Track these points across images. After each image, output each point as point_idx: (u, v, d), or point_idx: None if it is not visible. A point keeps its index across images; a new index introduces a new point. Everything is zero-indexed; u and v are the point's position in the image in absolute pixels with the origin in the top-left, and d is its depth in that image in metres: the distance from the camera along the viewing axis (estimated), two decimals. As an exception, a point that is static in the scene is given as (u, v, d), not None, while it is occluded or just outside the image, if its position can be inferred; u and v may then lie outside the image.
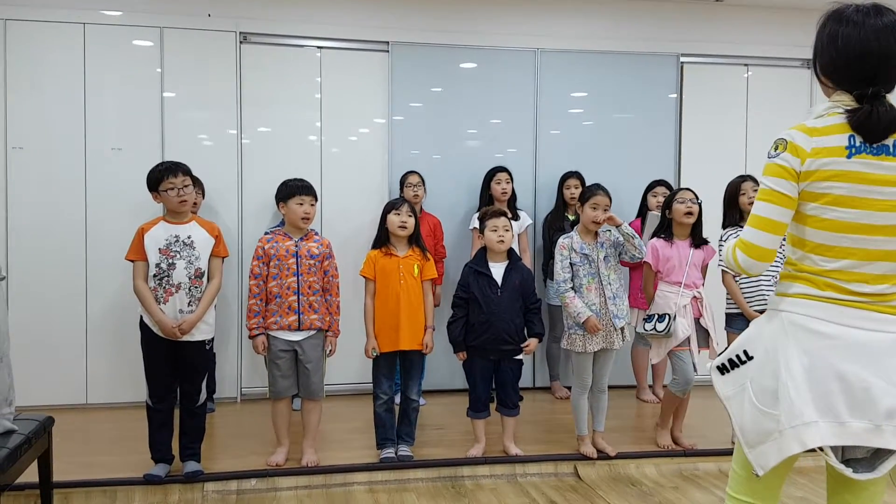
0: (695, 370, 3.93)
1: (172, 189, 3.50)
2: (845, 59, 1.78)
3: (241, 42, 5.06)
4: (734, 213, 4.14)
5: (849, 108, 1.78)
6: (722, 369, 1.90)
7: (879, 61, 1.77)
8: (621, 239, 3.90)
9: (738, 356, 1.88)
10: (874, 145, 1.75)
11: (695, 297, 3.96)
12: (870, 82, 1.77)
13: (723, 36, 5.63)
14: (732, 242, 1.90)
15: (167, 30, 4.93)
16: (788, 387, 1.75)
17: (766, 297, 3.96)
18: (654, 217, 4.53)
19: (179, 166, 3.56)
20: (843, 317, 1.77)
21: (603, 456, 3.95)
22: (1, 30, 4.71)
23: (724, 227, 4.13)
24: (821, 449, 1.73)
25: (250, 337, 3.76)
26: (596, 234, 3.95)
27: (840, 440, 1.73)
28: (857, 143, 1.75)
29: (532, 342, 3.91)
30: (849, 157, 1.75)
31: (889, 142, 1.76)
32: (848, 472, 1.75)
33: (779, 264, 3.36)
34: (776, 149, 1.81)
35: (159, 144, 4.91)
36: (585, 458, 3.94)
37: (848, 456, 1.80)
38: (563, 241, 3.96)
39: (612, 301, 3.88)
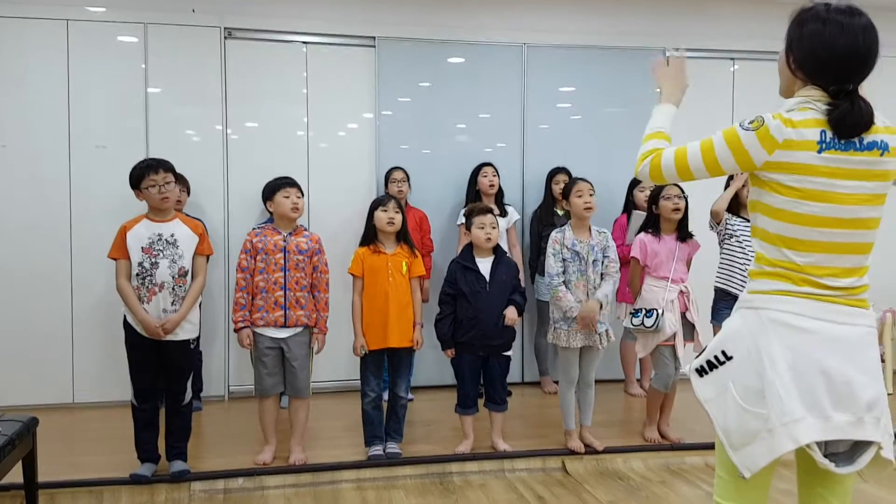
0: (680, 364, 3.94)
1: (154, 186, 3.47)
2: (829, 57, 1.78)
3: (225, 37, 5.02)
4: (735, 204, 4.32)
5: (820, 102, 1.79)
6: (700, 371, 1.88)
7: (862, 60, 1.79)
8: (609, 245, 3.96)
9: (716, 357, 1.86)
10: (842, 141, 1.76)
11: (681, 291, 3.98)
12: (847, 79, 1.78)
13: (709, 30, 5.63)
14: (660, 152, 1.94)
15: (151, 26, 4.88)
16: (776, 384, 1.74)
17: (737, 281, 4.18)
18: (638, 216, 4.57)
19: (161, 163, 3.52)
20: (820, 311, 1.78)
21: (590, 451, 3.96)
22: (-18, 26, 4.67)
23: None
24: (807, 445, 1.73)
25: (236, 330, 3.74)
26: (590, 229, 3.95)
27: (826, 435, 1.74)
28: (828, 139, 1.76)
29: (510, 310, 3.86)
30: (819, 151, 1.76)
31: (855, 137, 1.77)
32: (831, 466, 1.75)
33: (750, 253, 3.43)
34: (752, 123, 1.80)
35: (144, 141, 4.88)
36: (573, 452, 3.94)
37: (829, 450, 1.80)
38: (555, 235, 3.96)
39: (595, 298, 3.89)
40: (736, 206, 4.33)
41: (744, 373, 1.80)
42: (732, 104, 5.60)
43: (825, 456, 1.77)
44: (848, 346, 1.77)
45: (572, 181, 4.05)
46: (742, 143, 1.80)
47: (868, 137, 1.78)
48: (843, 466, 1.77)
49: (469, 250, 3.98)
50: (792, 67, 1.86)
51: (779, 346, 1.76)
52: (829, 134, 1.76)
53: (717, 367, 1.85)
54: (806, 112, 1.79)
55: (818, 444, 1.75)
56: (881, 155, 1.78)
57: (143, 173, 3.48)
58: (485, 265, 3.91)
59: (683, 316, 3.98)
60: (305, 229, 3.89)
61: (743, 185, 4.22)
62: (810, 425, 1.72)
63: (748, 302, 1.86)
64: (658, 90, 2.14)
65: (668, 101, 2.11)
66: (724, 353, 1.85)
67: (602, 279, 3.94)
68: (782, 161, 1.78)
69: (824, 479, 1.87)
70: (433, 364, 5.14)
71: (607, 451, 3.98)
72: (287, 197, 3.73)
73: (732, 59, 5.66)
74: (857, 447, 1.79)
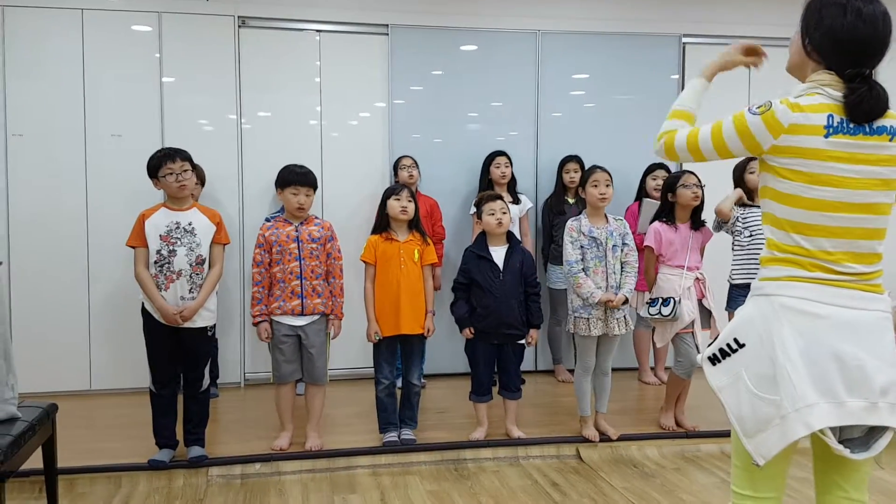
0: (698, 351, 3.93)
1: (171, 175, 3.50)
2: (848, 42, 1.78)
3: (239, 26, 5.03)
4: (744, 191, 4.30)
5: (830, 87, 1.80)
6: (713, 359, 1.88)
7: (880, 46, 1.81)
8: (627, 233, 3.96)
9: (728, 345, 1.86)
10: (850, 126, 1.77)
11: (697, 278, 3.97)
12: (865, 64, 1.79)
13: (725, 17, 5.58)
14: (674, 133, 1.98)
15: (166, 14, 4.89)
16: (788, 370, 1.74)
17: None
18: (649, 204, 4.55)
19: (178, 152, 3.55)
20: (832, 296, 1.78)
21: (605, 438, 3.97)
22: (-2, 16, 4.70)
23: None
24: (821, 431, 1.72)
25: (254, 324, 3.77)
26: (606, 217, 3.95)
27: (840, 420, 1.73)
28: (836, 123, 1.76)
29: (533, 334, 3.93)
30: (826, 136, 1.76)
31: (870, 122, 1.78)
32: (846, 452, 1.75)
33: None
34: (759, 108, 1.82)
35: (159, 130, 4.90)
36: (587, 440, 3.95)
37: (844, 436, 1.80)
38: (571, 223, 3.95)
39: (614, 290, 3.89)
40: (748, 194, 4.32)
41: (756, 360, 1.80)
42: (748, 91, 5.54)
43: (840, 442, 1.76)
44: (861, 331, 1.76)
45: (589, 169, 4.03)
46: (749, 127, 1.81)
47: (878, 122, 1.78)
48: (858, 452, 1.76)
49: (483, 239, 3.98)
50: (808, 50, 1.86)
51: (790, 332, 1.76)
52: (837, 118, 1.77)
53: (729, 354, 1.85)
54: (814, 97, 1.79)
55: (833, 430, 1.75)
56: (890, 140, 1.78)
57: (161, 162, 3.51)
58: (498, 254, 3.91)
59: (700, 303, 3.98)
60: (317, 217, 3.90)
61: (752, 172, 4.21)
62: (823, 411, 1.71)
63: (760, 289, 1.86)
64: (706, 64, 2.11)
65: (700, 74, 2.10)
66: (736, 340, 1.84)
67: (622, 269, 3.93)
68: (789, 145, 1.78)
69: (840, 466, 1.86)
70: (446, 352, 5.15)
71: (622, 438, 3.98)
72: (295, 195, 3.74)
73: (748, 45, 5.61)
74: (873, 433, 1.79)
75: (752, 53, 2.10)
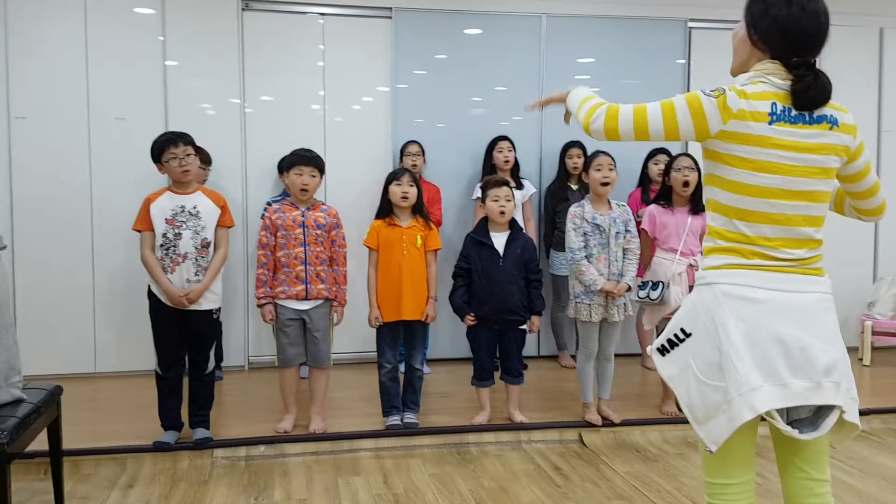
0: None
1: (175, 159, 3.51)
2: (795, 33, 1.82)
3: (243, 9, 5.01)
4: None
5: (775, 76, 1.82)
6: (662, 350, 1.90)
7: (821, 38, 1.85)
8: (630, 219, 3.94)
9: (675, 335, 1.88)
10: (792, 114, 1.79)
11: (690, 264, 3.93)
12: (810, 52, 1.83)
13: (731, 1, 5.52)
14: (615, 107, 1.87)
15: (168, -3, 4.88)
16: (731, 356, 1.76)
17: None
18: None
19: (181, 136, 3.55)
20: (771, 281, 1.80)
21: (607, 423, 3.98)
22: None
23: None
24: (768, 414, 1.74)
25: (258, 306, 3.78)
26: (609, 203, 3.93)
27: (785, 402, 1.75)
28: (778, 111, 1.79)
29: (535, 320, 3.94)
30: (770, 123, 1.79)
31: (813, 109, 1.81)
32: (794, 433, 1.77)
33: None
34: (714, 91, 1.82)
35: (162, 114, 4.89)
36: (590, 425, 3.96)
37: (792, 417, 1.82)
38: (574, 209, 3.94)
39: (616, 277, 3.88)
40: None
41: (702, 348, 1.82)
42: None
43: (789, 423, 1.79)
44: (801, 313, 1.79)
45: (593, 154, 4.01)
46: (703, 108, 1.80)
47: (818, 111, 1.81)
48: (807, 433, 1.79)
49: (484, 224, 3.98)
50: (754, 39, 1.88)
51: (732, 318, 1.78)
52: (780, 106, 1.79)
53: (677, 344, 1.87)
54: (758, 85, 1.82)
55: (780, 412, 1.77)
56: (830, 129, 1.81)
57: (164, 146, 3.52)
58: (499, 240, 3.90)
59: (692, 289, 3.95)
60: (323, 203, 3.90)
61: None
62: (768, 393, 1.73)
63: (702, 278, 1.89)
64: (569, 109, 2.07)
65: (571, 88, 2.09)
66: (682, 330, 1.87)
67: (624, 256, 3.92)
68: (735, 131, 1.79)
69: (797, 448, 1.89)
70: (449, 337, 5.17)
71: (624, 423, 4.00)
72: (299, 175, 3.73)
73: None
74: (820, 412, 1.81)
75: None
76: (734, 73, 1.97)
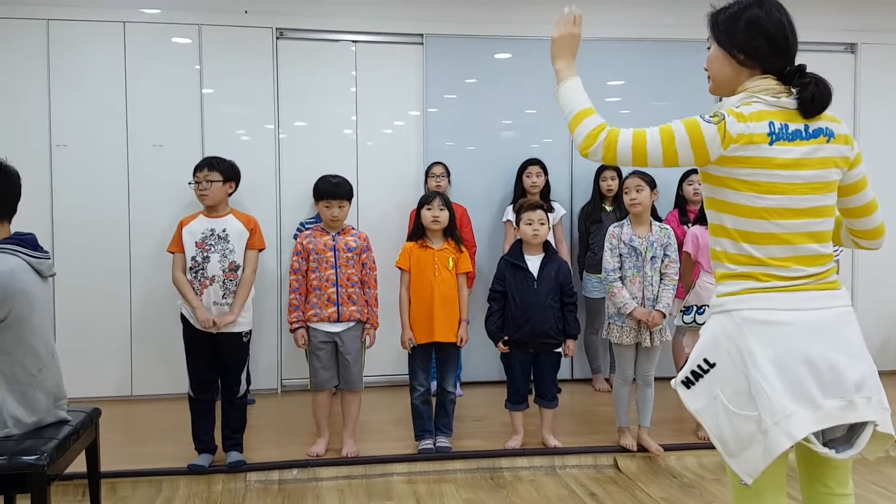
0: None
1: (196, 183, 3.64)
2: (779, 37, 1.82)
3: (277, 38, 5.11)
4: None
5: (766, 93, 1.80)
6: (687, 383, 1.84)
7: (795, 44, 1.86)
8: (670, 243, 3.86)
9: (699, 366, 1.82)
10: (790, 131, 1.77)
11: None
12: (793, 57, 1.84)
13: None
14: (615, 131, 1.85)
15: (205, 27, 4.99)
16: (761, 383, 1.71)
17: None
18: None
19: (207, 162, 3.68)
20: (791, 302, 1.77)
21: (643, 449, 3.91)
22: (44, 30, 4.82)
23: None
24: (805, 439, 1.69)
25: (291, 331, 3.81)
26: (650, 225, 3.88)
27: (819, 424, 1.70)
28: (777, 130, 1.77)
29: (570, 344, 3.90)
30: (770, 143, 1.76)
31: (801, 126, 1.79)
32: (831, 453, 1.72)
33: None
34: (713, 117, 1.79)
35: (199, 140, 4.99)
36: (625, 450, 3.90)
37: (827, 437, 1.77)
38: (612, 229, 3.91)
39: (650, 302, 3.82)
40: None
41: (729, 377, 1.77)
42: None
43: (824, 444, 1.74)
44: (826, 330, 1.75)
45: (627, 176, 3.97)
46: (703, 135, 1.77)
47: (814, 125, 1.79)
48: (843, 451, 1.74)
49: (518, 247, 3.97)
50: (740, 59, 1.86)
51: (757, 344, 1.74)
52: (778, 124, 1.77)
53: (702, 376, 1.81)
54: (752, 105, 1.80)
55: (815, 434, 1.72)
56: (827, 141, 1.80)
57: (194, 170, 3.67)
58: (534, 263, 3.89)
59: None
60: (353, 228, 3.94)
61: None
62: (803, 417, 1.69)
63: (720, 306, 1.83)
64: (556, 66, 2.09)
65: (567, 75, 2.11)
66: (706, 360, 1.81)
67: (661, 281, 3.83)
68: (737, 155, 1.77)
69: (822, 464, 1.85)
70: (482, 359, 5.14)
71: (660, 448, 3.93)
72: (328, 208, 3.78)
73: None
74: (854, 429, 1.77)
75: (571, 21, 2.16)
76: (715, 93, 1.95)
